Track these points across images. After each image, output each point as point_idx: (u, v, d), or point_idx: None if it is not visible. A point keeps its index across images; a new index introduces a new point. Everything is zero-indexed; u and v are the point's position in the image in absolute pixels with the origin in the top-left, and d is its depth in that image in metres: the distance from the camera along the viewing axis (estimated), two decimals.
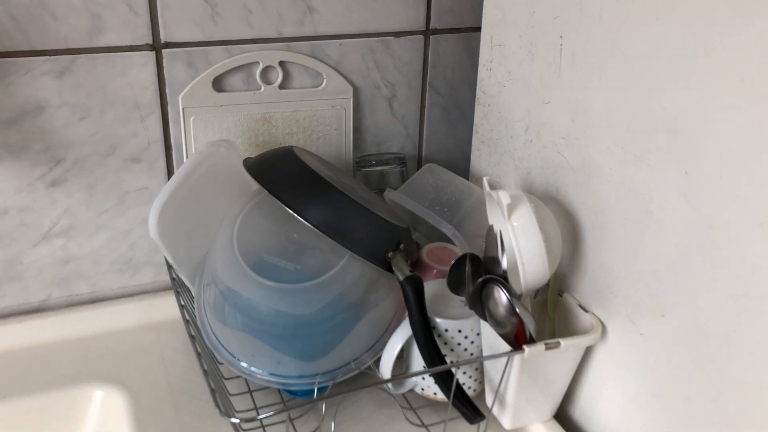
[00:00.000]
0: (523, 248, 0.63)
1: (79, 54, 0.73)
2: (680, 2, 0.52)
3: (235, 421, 0.56)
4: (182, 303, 0.73)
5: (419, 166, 0.93)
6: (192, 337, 0.67)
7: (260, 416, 0.57)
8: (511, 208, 0.62)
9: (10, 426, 0.71)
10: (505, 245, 0.64)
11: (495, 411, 0.68)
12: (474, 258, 0.66)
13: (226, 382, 0.70)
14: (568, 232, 0.68)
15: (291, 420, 0.67)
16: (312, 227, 0.65)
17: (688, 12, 0.52)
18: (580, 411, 0.71)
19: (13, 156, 0.74)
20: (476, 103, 0.82)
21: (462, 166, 0.93)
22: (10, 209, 0.76)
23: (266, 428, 0.66)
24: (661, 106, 0.55)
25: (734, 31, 0.48)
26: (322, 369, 0.67)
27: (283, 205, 0.66)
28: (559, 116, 0.68)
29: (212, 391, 0.59)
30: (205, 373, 0.62)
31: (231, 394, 0.69)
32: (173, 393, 0.73)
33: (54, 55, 0.72)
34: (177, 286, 0.75)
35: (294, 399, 0.71)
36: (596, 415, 0.69)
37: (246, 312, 0.66)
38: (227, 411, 0.59)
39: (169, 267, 0.76)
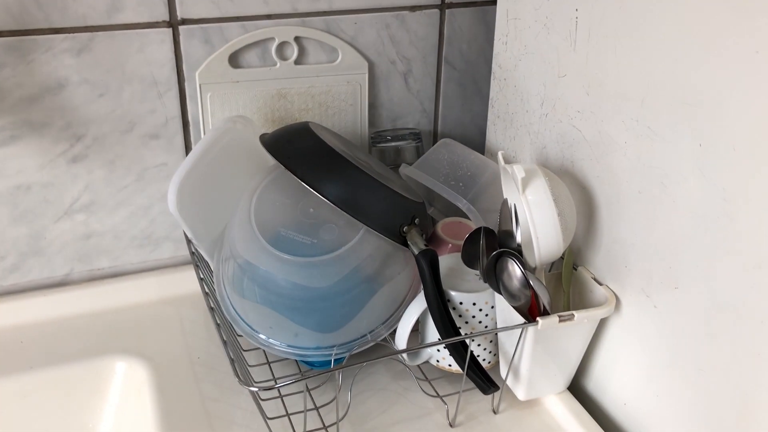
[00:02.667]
0: (538, 222, 0.63)
1: (98, 31, 0.74)
2: None
3: (254, 389, 0.58)
4: (201, 276, 0.74)
5: (435, 142, 0.93)
6: (211, 309, 0.69)
7: (278, 384, 0.58)
8: (526, 182, 0.63)
9: (37, 396, 0.73)
10: (520, 219, 0.64)
11: (509, 382, 0.69)
12: (488, 231, 0.66)
13: (244, 353, 0.71)
14: (583, 206, 0.69)
15: (308, 390, 0.68)
16: (328, 202, 0.66)
17: None
18: (594, 383, 0.71)
19: (35, 133, 0.76)
20: (492, 77, 0.82)
21: (478, 141, 0.93)
22: (33, 185, 0.78)
23: (284, 399, 0.67)
24: (675, 79, 0.55)
25: (750, 4, 0.48)
26: (339, 341, 0.68)
27: (299, 180, 0.66)
28: (574, 90, 0.68)
29: (231, 361, 0.60)
30: (225, 343, 0.63)
31: (249, 366, 0.70)
32: (193, 365, 0.75)
33: (73, 33, 0.73)
34: (196, 261, 0.77)
35: (311, 369, 0.72)
36: (610, 387, 0.69)
37: (264, 285, 0.67)
38: (246, 380, 0.60)
39: (189, 241, 0.78)
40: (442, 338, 0.65)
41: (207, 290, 0.72)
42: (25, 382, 0.73)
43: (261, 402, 0.64)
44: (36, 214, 0.79)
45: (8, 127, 0.74)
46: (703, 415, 0.58)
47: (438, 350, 0.71)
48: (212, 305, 0.70)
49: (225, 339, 0.64)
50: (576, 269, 0.70)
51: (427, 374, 0.73)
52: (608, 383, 0.69)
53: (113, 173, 0.81)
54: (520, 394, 0.69)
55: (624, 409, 0.68)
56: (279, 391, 0.68)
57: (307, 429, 0.64)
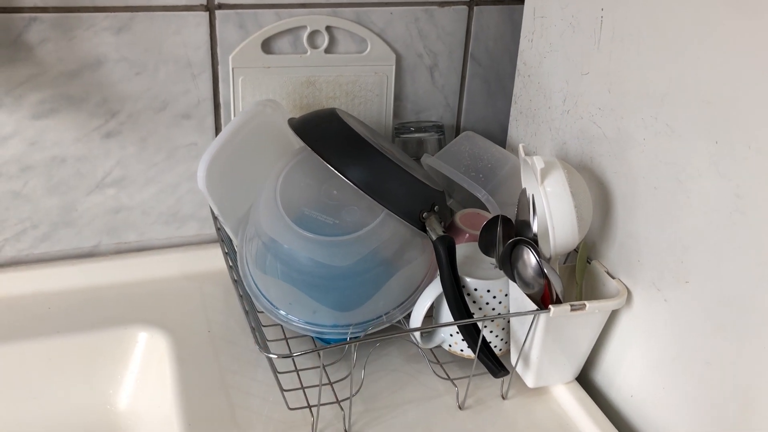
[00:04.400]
0: (555, 213, 0.65)
1: (138, 12, 0.77)
2: None
3: (272, 356, 0.60)
4: (226, 251, 0.77)
5: (457, 136, 0.95)
6: (234, 281, 0.71)
7: (294, 354, 0.60)
8: (545, 173, 0.65)
9: (61, 360, 0.76)
10: (537, 209, 0.66)
11: (519, 369, 0.71)
12: (506, 220, 0.68)
13: (264, 328, 0.74)
14: (600, 201, 0.70)
15: (323, 366, 0.70)
16: (351, 185, 0.68)
17: None
18: (603, 375, 0.73)
19: (73, 107, 0.79)
20: (516, 74, 0.84)
21: (499, 138, 0.95)
22: (68, 158, 0.81)
23: (300, 374, 0.70)
24: (695, 79, 0.57)
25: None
26: (355, 320, 0.71)
27: (325, 163, 0.69)
28: (596, 87, 0.69)
29: (252, 329, 0.62)
30: (246, 313, 0.66)
31: (268, 340, 0.73)
32: (213, 338, 0.77)
33: (114, 12, 0.76)
34: (221, 237, 0.79)
35: (327, 345, 0.74)
36: (618, 379, 0.71)
37: (286, 262, 0.70)
38: (265, 347, 0.63)
39: (215, 219, 0.80)
40: (456, 320, 0.67)
41: (231, 264, 0.74)
42: (51, 346, 0.76)
43: (278, 373, 0.66)
44: (69, 186, 0.82)
45: (48, 99, 0.77)
46: (709, 408, 0.60)
47: (451, 335, 0.73)
48: (235, 278, 0.72)
49: (246, 309, 0.66)
50: (590, 262, 0.72)
51: (440, 358, 0.75)
52: (616, 375, 0.71)
53: (145, 150, 0.83)
54: (529, 381, 0.71)
55: (631, 401, 0.69)
56: (295, 365, 0.70)
57: (321, 402, 0.66)
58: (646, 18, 0.62)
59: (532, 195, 0.66)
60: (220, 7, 0.79)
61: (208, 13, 0.79)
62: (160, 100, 0.82)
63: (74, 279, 0.84)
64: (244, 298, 0.69)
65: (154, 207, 0.87)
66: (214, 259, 0.85)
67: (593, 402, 0.70)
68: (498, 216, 0.68)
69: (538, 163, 0.64)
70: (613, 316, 0.69)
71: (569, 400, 0.70)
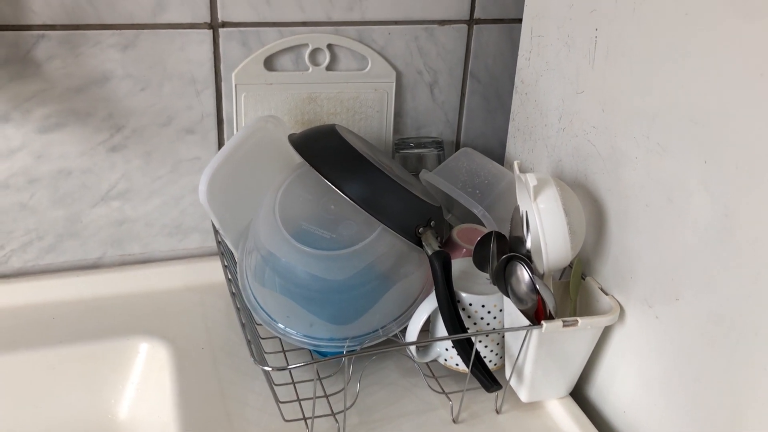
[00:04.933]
0: (547, 229, 0.66)
1: (143, 29, 0.79)
2: (707, 0, 0.55)
3: (267, 368, 0.61)
4: (225, 264, 0.78)
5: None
6: (233, 294, 0.73)
7: (290, 366, 0.61)
8: (538, 190, 0.66)
9: (64, 369, 0.78)
10: (530, 226, 0.67)
11: (513, 384, 0.72)
12: (500, 236, 0.69)
13: (262, 341, 0.75)
14: (594, 219, 0.71)
15: (320, 378, 0.71)
16: (349, 199, 0.69)
17: (715, 9, 0.54)
18: (597, 391, 0.74)
19: (79, 121, 0.80)
20: (514, 91, 0.85)
21: (498, 153, 0.96)
22: (73, 171, 0.83)
23: (297, 386, 0.71)
24: (685, 99, 0.58)
25: (757, 29, 0.51)
26: (352, 334, 0.72)
27: (323, 178, 0.70)
28: (591, 106, 0.70)
29: (248, 342, 0.64)
30: (243, 326, 0.67)
31: (266, 352, 0.74)
32: (213, 349, 0.78)
33: (120, 30, 0.78)
34: (222, 250, 0.81)
35: (323, 358, 0.75)
36: (611, 395, 0.71)
37: (284, 275, 0.71)
38: (261, 360, 0.64)
39: (216, 231, 0.82)
40: (450, 335, 0.67)
41: (230, 276, 0.76)
42: (55, 355, 0.78)
43: (274, 385, 0.67)
44: (74, 198, 0.84)
45: (55, 114, 0.79)
46: (699, 424, 0.60)
47: (446, 349, 0.73)
48: (233, 291, 0.73)
49: (243, 322, 0.67)
50: (584, 279, 0.73)
51: (435, 372, 0.75)
52: (609, 391, 0.71)
53: (149, 164, 0.85)
54: (523, 395, 0.71)
55: (623, 417, 0.70)
56: (292, 377, 0.71)
57: (316, 414, 0.67)
58: (638, 39, 0.63)
59: (526, 212, 0.67)
60: (224, 25, 0.81)
61: (211, 30, 0.81)
62: (165, 115, 0.83)
63: (78, 290, 0.86)
64: (242, 310, 0.70)
65: (158, 219, 0.88)
66: (215, 271, 0.87)
67: (587, 417, 0.70)
68: (492, 232, 0.69)
69: (531, 180, 0.65)
70: (607, 332, 0.70)
71: (563, 415, 0.71)
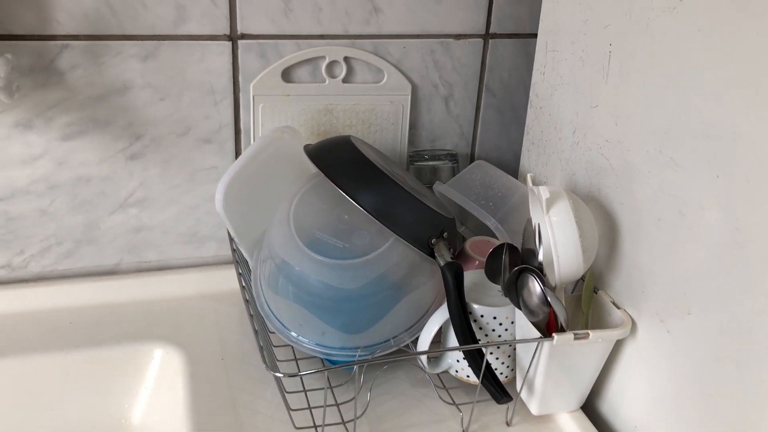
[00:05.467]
0: (559, 242, 0.66)
1: (164, 40, 0.80)
2: (721, 16, 0.55)
3: (279, 375, 0.62)
4: (240, 271, 0.79)
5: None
6: (246, 301, 0.73)
7: (301, 372, 0.62)
8: (550, 203, 0.66)
9: (79, 373, 0.79)
10: (542, 238, 0.67)
11: (523, 396, 0.72)
12: (512, 248, 0.69)
13: (274, 349, 0.75)
14: (606, 232, 0.71)
15: (331, 387, 0.72)
16: (362, 210, 0.70)
17: (727, 25, 0.54)
18: (608, 405, 0.73)
19: (99, 129, 0.82)
20: (529, 105, 0.86)
21: (513, 166, 0.96)
22: (93, 178, 0.84)
23: (308, 394, 0.71)
24: (698, 113, 0.58)
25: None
26: (363, 343, 0.72)
27: (337, 189, 0.71)
28: (604, 120, 0.71)
29: (260, 348, 0.64)
30: (256, 333, 0.68)
31: (278, 360, 0.74)
32: (226, 356, 0.79)
33: (141, 40, 0.79)
34: (236, 258, 0.82)
35: (334, 366, 0.76)
36: (622, 410, 0.71)
37: (297, 283, 0.72)
38: (273, 366, 0.64)
39: (231, 240, 0.83)
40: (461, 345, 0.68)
41: (244, 284, 0.77)
42: (70, 359, 0.79)
43: (285, 392, 0.67)
44: (93, 204, 0.86)
45: (76, 122, 0.81)
46: None
47: (458, 361, 0.74)
48: (247, 298, 0.74)
49: (256, 328, 0.68)
50: (596, 292, 0.73)
51: (446, 383, 0.76)
52: (620, 405, 0.71)
53: (166, 172, 0.86)
54: (534, 408, 0.71)
55: None
56: (303, 385, 0.71)
57: (327, 422, 0.67)
58: (651, 54, 0.63)
59: (538, 224, 0.68)
60: (243, 37, 0.83)
61: (231, 42, 0.82)
62: (183, 124, 0.85)
63: (95, 295, 0.87)
64: (255, 318, 0.71)
65: (174, 227, 0.90)
66: (230, 279, 0.87)
67: (597, 431, 0.70)
68: (504, 244, 0.69)
69: (544, 193, 0.65)
70: (618, 346, 0.70)
71: (573, 428, 0.71)
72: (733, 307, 0.56)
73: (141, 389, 0.79)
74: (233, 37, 0.82)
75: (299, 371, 0.74)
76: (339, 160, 0.74)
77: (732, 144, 0.55)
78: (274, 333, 0.74)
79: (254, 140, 0.87)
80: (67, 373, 0.79)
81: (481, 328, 0.71)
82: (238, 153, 0.88)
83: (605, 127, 0.71)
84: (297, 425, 0.67)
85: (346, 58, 0.86)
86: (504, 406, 0.72)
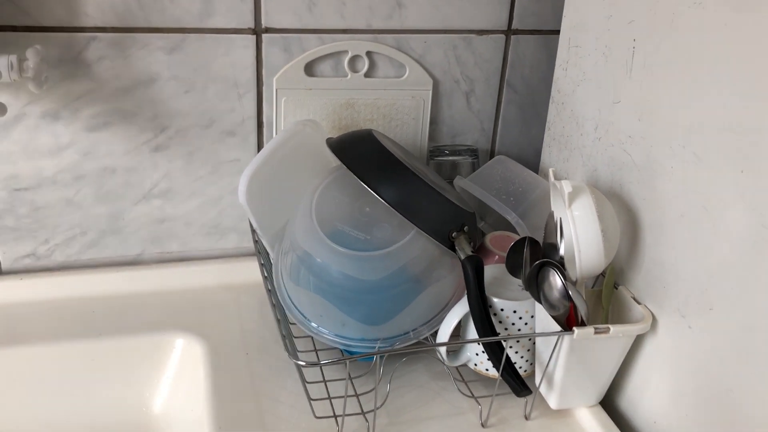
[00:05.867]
0: (581, 236, 0.66)
1: (190, 33, 0.81)
2: (747, 10, 0.55)
3: (301, 363, 0.62)
4: (262, 262, 0.80)
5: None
6: (269, 291, 0.74)
7: (322, 362, 0.62)
8: (572, 197, 0.66)
9: (102, 361, 0.80)
10: (564, 233, 0.68)
11: (542, 390, 0.72)
12: (533, 242, 0.69)
13: (294, 340, 0.76)
14: (628, 228, 0.71)
15: (351, 378, 0.72)
16: (384, 202, 0.70)
17: (753, 20, 0.54)
18: (627, 401, 0.73)
19: (125, 121, 0.83)
20: (551, 101, 0.86)
21: (533, 163, 0.96)
22: (118, 169, 0.85)
23: (327, 384, 0.72)
24: (723, 108, 0.58)
25: None
26: (383, 335, 0.73)
27: (359, 181, 0.71)
28: (627, 116, 0.71)
29: (283, 337, 0.65)
30: (278, 321, 0.68)
31: (299, 351, 0.75)
32: (247, 346, 0.80)
33: (168, 33, 0.80)
34: (258, 249, 0.82)
35: (354, 356, 0.76)
36: (642, 405, 0.71)
37: (318, 275, 0.72)
38: (295, 355, 0.65)
39: (253, 231, 0.83)
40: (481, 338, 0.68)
41: (266, 274, 0.77)
42: (93, 348, 0.80)
43: (306, 382, 0.68)
44: (118, 195, 0.87)
45: (103, 113, 0.82)
46: None
47: (477, 354, 0.74)
48: (270, 287, 0.75)
49: (279, 317, 0.68)
50: (617, 288, 0.73)
51: (465, 377, 0.76)
52: (640, 401, 0.71)
53: (190, 164, 0.87)
54: (553, 402, 0.71)
55: (654, 428, 0.69)
56: (323, 375, 0.72)
57: (347, 413, 0.68)
58: (676, 49, 0.63)
59: (560, 218, 0.68)
60: (267, 30, 0.83)
61: (255, 36, 0.83)
62: (207, 117, 0.86)
63: (118, 285, 0.88)
64: (277, 307, 0.72)
65: (197, 219, 0.91)
66: (251, 271, 0.88)
67: (616, 427, 0.70)
68: (525, 237, 0.69)
69: (566, 187, 0.65)
70: (638, 341, 0.70)
71: (592, 423, 0.71)
72: (756, 302, 0.56)
73: (162, 378, 0.80)
74: (257, 31, 0.83)
75: (318, 359, 0.75)
76: (361, 153, 0.75)
77: (758, 139, 0.55)
78: (294, 324, 0.75)
79: (276, 133, 0.88)
80: (89, 361, 0.80)
81: (501, 322, 0.71)
82: (260, 146, 0.89)
83: (628, 123, 0.71)
84: (317, 415, 0.68)
85: (368, 53, 0.87)
86: (522, 400, 0.72)
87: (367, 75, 0.88)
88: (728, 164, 0.58)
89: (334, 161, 0.78)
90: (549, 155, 0.87)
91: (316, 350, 0.77)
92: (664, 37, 0.65)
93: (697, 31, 0.61)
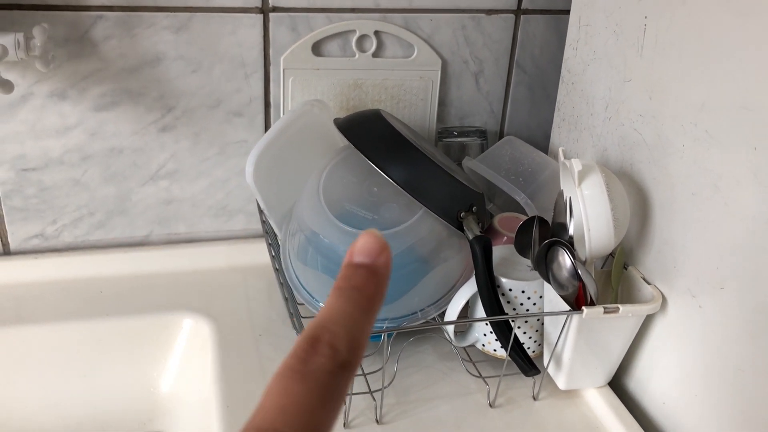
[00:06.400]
0: (591, 216, 0.65)
1: (196, 12, 0.80)
2: None
3: None
4: (269, 242, 0.80)
5: None
6: (276, 270, 0.74)
7: None
8: (582, 176, 0.65)
9: (109, 342, 0.80)
10: (574, 212, 0.67)
11: (551, 371, 0.72)
12: (542, 222, 0.69)
13: (303, 320, 0.76)
14: (638, 208, 0.71)
15: None
16: (392, 182, 0.70)
17: None
18: (636, 381, 0.73)
19: (132, 101, 0.83)
20: (560, 81, 0.85)
21: (542, 144, 0.96)
22: (125, 149, 0.85)
23: None
24: (735, 85, 0.57)
25: None
26: (390, 315, 0.72)
27: (367, 161, 0.71)
28: (638, 94, 0.70)
29: (290, 315, 0.65)
30: (286, 300, 0.68)
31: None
32: (254, 327, 0.80)
33: (174, 12, 0.80)
34: (266, 229, 0.82)
35: None
36: (650, 386, 0.71)
37: (326, 254, 0.72)
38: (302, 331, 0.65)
39: (260, 212, 0.83)
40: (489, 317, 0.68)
41: (274, 254, 0.77)
42: (101, 328, 0.80)
43: None
44: (125, 176, 0.87)
45: (109, 93, 0.82)
46: (740, 416, 0.59)
47: (485, 334, 0.74)
48: (277, 267, 0.75)
49: (286, 296, 0.68)
50: (626, 268, 0.72)
51: (473, 357, 0.76)
52: (648, 382, 0.71)
53: (197, 145, 0.87)
54: (561, 383, 0.71)
55: (663, 408, 0.69)
56: None
57: (354, 392, 0.68)
58: (688, 26, 0.62)
59: (569, 197, 0.67)
60: (274, 9, 0.83)
61: (262, 15, 0.83)
62: (214, 97, 0.85)
63: (126, 266, 0.88)
64: (285, 286, 0.72)
65: (204, 200, 0.90)
66: (258, 252, 0.88)
67: (625, 407, 0.70)
68: (534, 217, 0.69)
69: (576, 165, 0.65)
70: (648, 321, 0.69)
71: (600, 404, 0.71)
72: None
73: (170, 358, 0.80)
74: (265, 10, 0.83)
75: None
76: (369, 133, 0.74)
77: None
78: (302, 304, 0.75)
79: (284, 114, 0.87)
80: (98, 342, 0.80)
81: (509, 302, 0.71)
82: (267, 126, 0.88)
83: (639, 102, 0.70)
84: None
85: (376, 32, 0.86)
86: (530, 381, 0.72)
87: (375, 55, 0.87)
88: (741, 142, 0.57)
89: (341, 141, 0.78)
90: (558, 136, 0.86)
91: None
92: (676, 14, 0.64)
93: (709, 6, 0.60)
